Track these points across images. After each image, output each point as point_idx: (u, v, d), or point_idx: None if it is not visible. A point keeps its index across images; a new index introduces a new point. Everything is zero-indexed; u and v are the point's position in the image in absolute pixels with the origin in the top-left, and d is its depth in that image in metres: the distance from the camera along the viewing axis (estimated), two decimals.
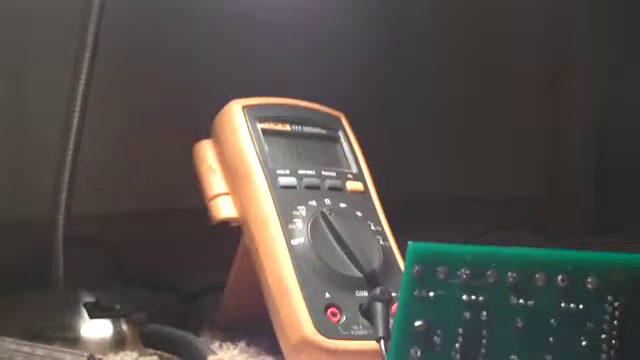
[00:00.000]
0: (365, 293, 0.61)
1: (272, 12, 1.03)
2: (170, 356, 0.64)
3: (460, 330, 0.42)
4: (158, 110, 0.96)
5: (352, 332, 0.59)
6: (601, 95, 1.27)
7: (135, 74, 0.93)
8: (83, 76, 0.69)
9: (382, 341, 0.56)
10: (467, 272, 0.42)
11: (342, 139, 0.72)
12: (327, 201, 0.66)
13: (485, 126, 1.28)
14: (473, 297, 0.42)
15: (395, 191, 0.86)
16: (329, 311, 0.60)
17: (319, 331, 0.59)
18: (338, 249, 0.63)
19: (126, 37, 0.90)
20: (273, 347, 0.63)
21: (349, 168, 0.70)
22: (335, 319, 0.60)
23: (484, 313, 0.41)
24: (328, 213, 0.65)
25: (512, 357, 0.40)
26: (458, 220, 1.06)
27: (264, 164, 0.66)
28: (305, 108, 0.72)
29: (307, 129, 0.71)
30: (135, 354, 0.65)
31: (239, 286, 0.69)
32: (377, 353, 0.56)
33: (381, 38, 1.23)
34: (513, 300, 0.41)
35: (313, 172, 0.68)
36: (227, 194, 0.66)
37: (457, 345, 0.42)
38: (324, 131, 0.72)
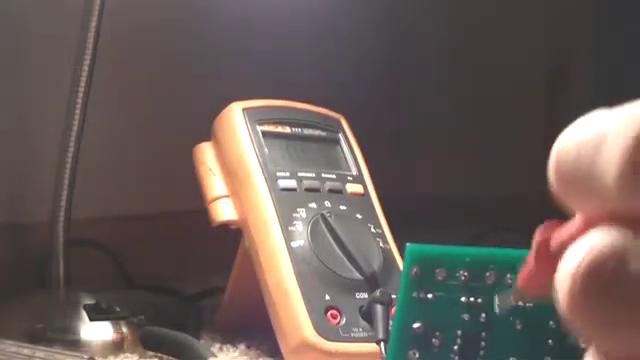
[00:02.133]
0: (365, 295, 0.61)
1: (272, 14, 1.03)
2: (170, 358, 0.64)
3: (459, 332, 0.42)
4: (158, 112, 0.96)
5: (352, 334, 0.59)
6: (601, 95, 1.27)
7: (135, 76, 0.93)
8: (83, 78, 0.69)
9: (382, 343, 0.56)
10: (466, 274, 0.42)
11: (342, 141, 0.72)
12: (327, 203, 0.66)
13: (485, 126, 1.28)
14: (472, 299, 0.42)
15: (395, 192, 0.86)
16: (329, 313, 0.60)
17: (319, 333, 0.59)
18: (338, 251, 0.63)
19: (126, 39, 0.90)
20: (273, 349, 0.63)
21: (349, 170, 0.70)
22: (335, 321, 0.60)
23: (483, 315, 0.41)
24: (328, 215, 0.65)
25: (511, 359, 0.40)
26: (458, 221, 1.06)
27: (264, 166, 0.66)
28: (305, 110, 0.72)
29: (307, 131, 0.71)
30: (135, 356, 0.65)
31: (239, 288, 0.69)
32: (377, 355, 0.56)
33: (381, 39, 1.23)
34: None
35: (313, 174, 0.68)
36: (227, 196, 0.66)
37: (456, 347, 0.41)
38: (324, 133, 0.72)
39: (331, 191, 0.67)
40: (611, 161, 0.19)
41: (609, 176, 0.19)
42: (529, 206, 1.27)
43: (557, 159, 0.21)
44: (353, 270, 0.63)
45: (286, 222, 0.64)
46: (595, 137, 0.19)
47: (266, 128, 0.69)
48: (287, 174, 0.66)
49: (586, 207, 0.20)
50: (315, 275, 0.62)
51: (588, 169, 0.19)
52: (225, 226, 0.66)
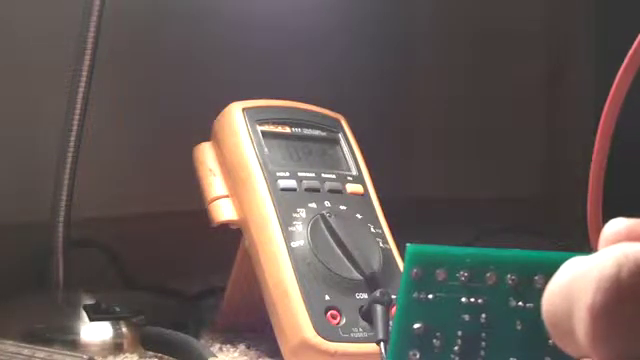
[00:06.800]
0: (365, 295, 0.61)
1: (272, 14, 1.03)
2: (170, 358, 0.64)
3: (459, 332, 0.42)
4: (158, 112, 0.96)
5: (352, 334, 0.59)
6: (601, 95, 1.27)
7: (135, 76, 0.93)
8: (83, 78, 0.69)
9: (382, 344, 0.56)
10: (466, 274, 0.42)
11: (342, 141, 0.72)
12: (327, 203, 0.66)
13: (485, 126, 1.28)
14: (472, 299, 0.42)
15: (395, 192, 0.86)
16: (329, 313, 0.60)
17: (319, 333, 0.59)
18: (338, 251, 0.63)
19: (126, 39, 0.90)
20: (273, 349, 0.63)
21: (349, 170, 0.70)
22: (335, 321, 0.60)
23: (483, 315, 0.41)
24: (328, 215, 0.65)
25: (511, 359, 0.40)
26: (458, 222, 1.06)
27: (264, 166, 0.66)
28: (305, 110, 0.72)
29: (307, 131, 0.71)
30: (135, 356, 0.65)
31: (239, 288, 0.69)
32: (377, 356, 0.56)
33: (381, 39, 1.23)
34: (512, 302, 0.41)
35: (313, 174, 0.68)
36: (227, 196, 0.66)
37: (456, 348, 0.41)
38: (324, 133, 0.72)
39: (331, 191, 0.67)
40: (580, 328, 0.23)
41: (581, 337, 0.23)
42: (529, 206, 1.27)
43: (545, 310, 0.25)
44: (353, 270, 0.63)
45: (286, 222, 0.64)
46: (568, 299, 0.24)
47: (266, 128, 0.69)
48: (287, 174, 0.66)
49: (571, 351, 0.24)
50: (315, 275, 0.62)
51: (567, 326, 0.24)
52: (225, 226, 0.66)
